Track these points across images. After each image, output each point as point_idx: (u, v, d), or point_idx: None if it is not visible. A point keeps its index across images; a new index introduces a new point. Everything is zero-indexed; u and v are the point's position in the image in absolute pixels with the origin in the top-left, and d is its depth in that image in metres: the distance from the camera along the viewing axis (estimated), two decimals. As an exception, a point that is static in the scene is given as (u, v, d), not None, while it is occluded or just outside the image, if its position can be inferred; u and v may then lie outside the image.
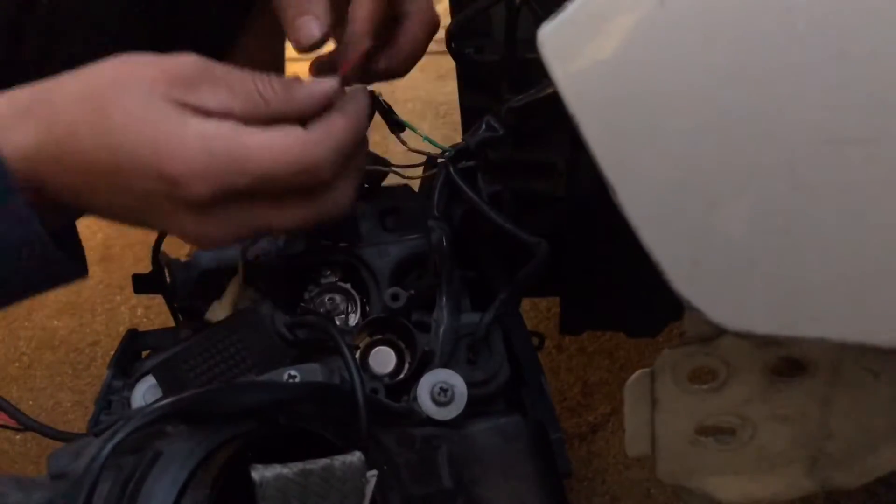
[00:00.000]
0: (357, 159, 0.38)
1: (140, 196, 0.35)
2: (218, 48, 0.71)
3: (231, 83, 0.36)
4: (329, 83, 0.37)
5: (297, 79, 0.38)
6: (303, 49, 0.42)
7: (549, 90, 0.48)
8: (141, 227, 0.38)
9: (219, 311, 0.44)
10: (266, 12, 0.74)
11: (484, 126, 0.49)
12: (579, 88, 0.27)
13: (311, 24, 0.42)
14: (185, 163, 0.33)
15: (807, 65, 0.25)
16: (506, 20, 0.53)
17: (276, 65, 0.83)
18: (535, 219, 0.59)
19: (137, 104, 0.34)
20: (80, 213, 0.39)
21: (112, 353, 0.48)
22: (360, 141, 0.38)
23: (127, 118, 0.34)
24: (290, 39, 0.43)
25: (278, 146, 0.34)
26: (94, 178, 0.35)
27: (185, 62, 0.36)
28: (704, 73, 0.26)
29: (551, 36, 0.28)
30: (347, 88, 0.40)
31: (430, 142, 0.50)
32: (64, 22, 0.59)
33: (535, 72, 0.58)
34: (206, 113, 0.35)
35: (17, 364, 1.08)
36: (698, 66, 0.26)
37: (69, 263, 0.37)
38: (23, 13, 0.57)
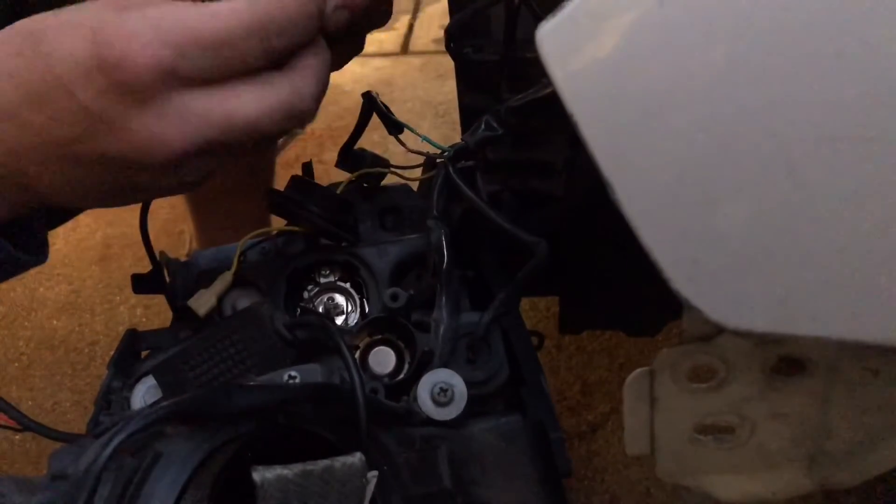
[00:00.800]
0: (315, 56, 0.35)
1: (84, 111, 0.30)
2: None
3: None
4: None
5: None
6: None
7: (549, 89, 0.49)
8: (87, 175, 0.32)
9: (203, 300, 0.44)
10: None
11: (483, 126, 0.49)
12: (578, 87, 0.27)
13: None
14: (127, 39, 0.30)
15: (804, 63, 0.25)
16: (505, 20, 0.53)
17: None
18: (534, 218, 0.59)
19: (73, 14, 0.31)
20: (22, 193, 0.33)
21: (111, 352, 0.48)
22: (313, 24, 0.34)
23: (59, 30, 0.30)
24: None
25: (226, 9, 0.31)
26: (32, 110, 0.31)
27: None
28: (703, 71, 0.26)
29: (550, 35, 0.28)
30: None
31: (429, 142, 0.50)
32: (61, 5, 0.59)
33: (535, 71, 0.58)
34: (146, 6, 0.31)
35: (16, 364, 1.08)
36: (697, 65, 0.26)
37: (12, 251, 0.33)
38: (17, 5, 0.57)
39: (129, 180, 0.33)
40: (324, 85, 0.36)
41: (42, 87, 0.30)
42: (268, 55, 0.33)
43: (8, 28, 0.32)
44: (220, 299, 0.45)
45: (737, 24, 0.26)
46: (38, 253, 0.37)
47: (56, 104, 0.31)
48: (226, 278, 0.45)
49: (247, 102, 0.32)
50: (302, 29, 0.34)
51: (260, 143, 0.35)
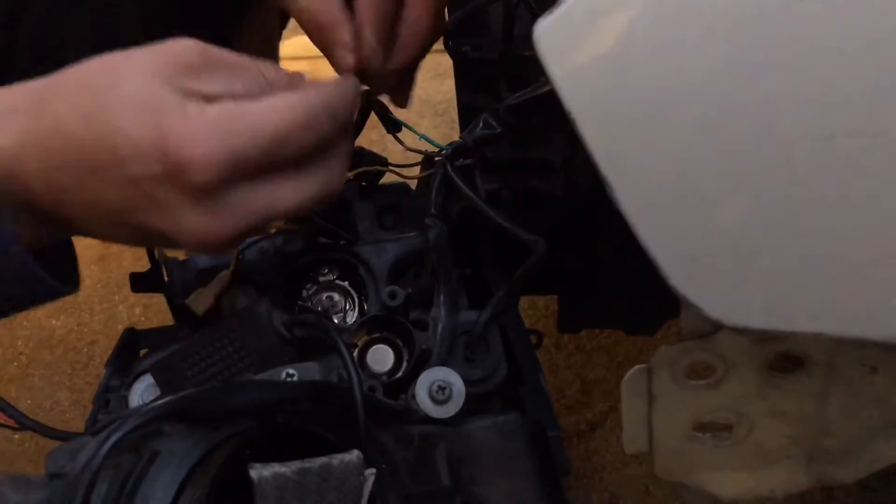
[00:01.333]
0: (345, 138, 0.38)
1: (137, 188, 0.32)
2: (214, 44, 0.71)
3: (231, 65, 0.35)
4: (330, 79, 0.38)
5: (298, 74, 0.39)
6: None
7: (547, 87, 0.48)
8: (129, 234, 0.35)
9: (202, 299, 0.44)
10: (259, 13, 0.74)
11: (481, 124, 0.49)
12: (576, 84, 0.27)
13: (346, 57, 0.44)
14: (197, 144, 0.31)
15: (804, 60, 0.25)
16: (503, 18, 0.53)
17: (271, 60, 0.83)
18: (532, 217, 0.59)
19: (136, 90, 0.32)
20: (64, 228, 0.36)
21: (110, 352, 0.48)
22: (348, 117, 0.38)
23: (125, 104, 0.32)
24: (331, 65, 0.45)
25: (282, 105, 0.33)
26: (84, 172, 0.32)
27: (184, 46, 0.35)
28: (702, 68, 0.26)
29: (547, 32, 0.28)
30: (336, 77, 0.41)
31: (427, 140, 0.50)
32: (59, 19, 0.59)
33: (533, 69, 0.58)
34: (209, 98, 0.33)
35: (15, 363, 1.07)
36: (696, 62, 0.26)
37: (50, 281, 0.35)
38: (18, 6, 0.57)
39: (165, 242, 0.35)
40: (346, 169, 0.39)
41: (99, 157, 0.32)
42: (315, 146, 0.35)
43: (75, 72, 0.34)
44: (219, 298, 0.45)
45: (735, 21, 0.26)
46: (70, 282, 0.38)
47: (109, 174, 0.32)
48: (224, 277, 0.45)
49: (288, 194, 0.35)
50: (345, 117, 0.37)
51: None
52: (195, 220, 0.33)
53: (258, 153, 0.33)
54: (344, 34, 0.44)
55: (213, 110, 0.32)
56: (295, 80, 0.37)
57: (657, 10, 0.26)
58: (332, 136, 0.36)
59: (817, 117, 0.25)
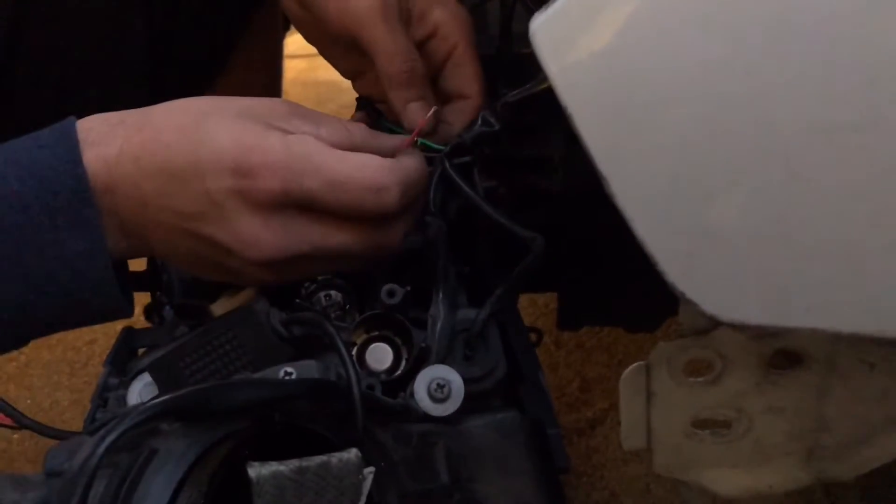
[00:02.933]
0: (415, 205, 0.41)
1: (209, 198, 0.35)
2: (218, 48, 0.71)
3: (319, 118, 0.39)
4: (408, 139, 0.42)
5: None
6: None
7: (545, 84, 0.48)
8: (192, 247, 0.38)
9: (226, 306, 0.44)
10: (264, 13, 0.74)
11: (479, 121, 0.49)
12: (572, 80, 0.27)
13: (422, 112, 0.47)
14: (264, 154, 0.35)
15: (799, 54, 0.25)
16: (501, 15, 0.53)
17: (273, 64, 0.83)
18: (532, 214, 0.59)
19: (229, 117, 0.36)
20: (138, 244, 0.39)
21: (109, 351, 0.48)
22: (420, 191, 0.41)
23: (217, 125, 0.36)
24: (403, 119, 0.48)
25: (354, 161, 0.36)
26: (168, 178, 0.36)
27: (277, 101, 0.39)
28: (698, 63, 0.26)
29: (543, 27, 0.28)
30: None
31: (426, 144, 0.50)
32: (63, 18, 0.59)
33: (531, 66, 0.58)
34: (292, 133, 0.37)
35: (14, 363, 1.08)
36: (692, 57, 0.26)
37: (122, 299, 0.38)
38: (21, 14, 0.57)
39: (223, 261, 0.38)
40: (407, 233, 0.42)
41: (184, 169, 0.36)
42: (379, 209, 0.37)
43: (187, 102, 0.38)
44: None
45: (731, 15, 0.26)
46: (130, 302, 0.41)
47: (188, 182, 0.36)
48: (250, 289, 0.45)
49: (340, 238, 0.38)
50: (415, 194, 0.40)
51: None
52: (248, 230, 0.36)
53: (317, 189, 0.35)
54: (425, 87, 0.47)
55: (293, 138, 0.36)
56: (375, 134, 0.41)
57: (653, 4, 0.26)
58: (400, 208, 0.38)
59: (813, 111, 0.25)
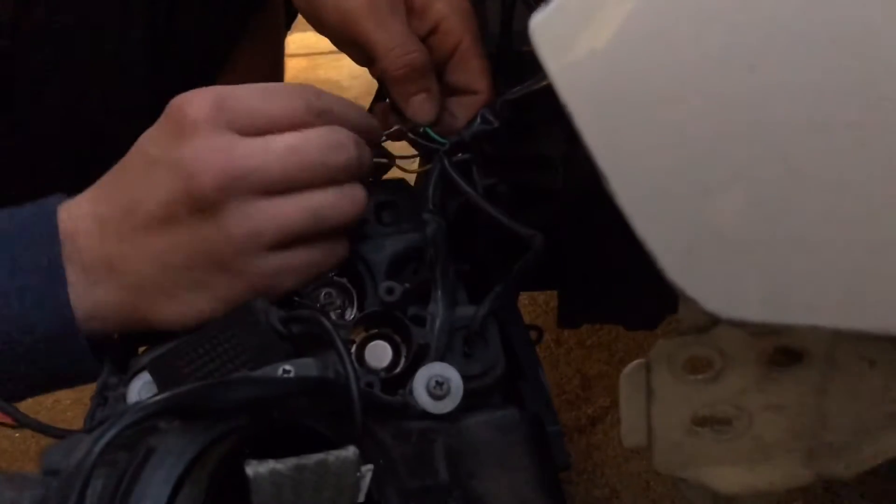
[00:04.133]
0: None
1: (150, 164, 0.35)
2: (220, 48, 0.71)
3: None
4: None
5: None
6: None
7: (545, 82, 0.48)
8: (174, 236, 0.37)
9: None
10: (267, 13, 0.74)
11: (479, 119, 0.49)
12: (572, 77, 0.27)
13: (426, 105, 0.46)
14: (191, 92, 0.35)
15: (799, 50, 0.25)
16: (501, 13, 0.53)
17: (275, 63, 0.83)
18: (532, 212, 0.59)
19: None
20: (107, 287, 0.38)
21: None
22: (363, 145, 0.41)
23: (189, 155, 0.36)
24: (406, 114, 0.47)
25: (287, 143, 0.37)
26: (114, 181, 0.36)
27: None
28: (698, 60, 0.26)
29: (543, 25, 0.28)
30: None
31: (429, 133, 0.50)
32: (62, 21, 0.59)
33: (531, 64, 0.58)
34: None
35: (15, 362, 1.07)
36: (692, 55, 0.26)
37: (96, 366, 0.38)
38: (21, 15, 0.57)
39: (189, 244, 0.37)
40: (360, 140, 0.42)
41: (126, 159, 0.37)
42: (310, 113, 0.38)
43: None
44: None
45: (731, 12, 0.26)
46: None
47: (132, 168, 0.37)
48: None
49: (287, 136, 0.37)
50: (350, 116, 0.40)
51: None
52: (191, 153, 0.35)
53: (249, 103, 0.36)
54: (428, 80, 0.46)
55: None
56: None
57: (652, 2, 0.26)
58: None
59: (814, 108, 0.25)
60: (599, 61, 0.27)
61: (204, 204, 0.35)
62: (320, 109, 0.38)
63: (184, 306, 0.39)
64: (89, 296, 0.37)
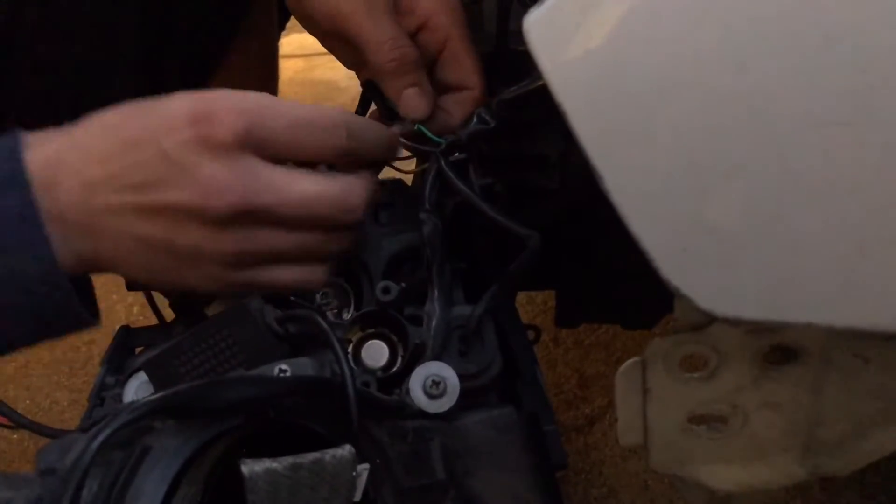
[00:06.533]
0: (375, 171, 0.42)
1: (164, 155, 0.34)
2: (213, 48, 0.71)
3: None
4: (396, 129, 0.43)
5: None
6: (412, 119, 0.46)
7: (541, 82, 0.48)
8: (150, 227, 0.36)
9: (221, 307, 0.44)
10: (260, 13, 0.74)
11: (475, 118, 0.49)
12: (566, 77, 0.27)
13: (418, 99, 0.46)
14: (223, 98, 0.34)
15: (793, 48, 0.25)
16: (497, 12, 0.53)
17: (269, 64, 0.83)
18: (529, 212, 0.59)
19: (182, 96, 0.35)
20: (89, 253, 0.37)
21: (106, 350, 0.48)
22: (383, 152, 0.42)
23: (167, 97, 0.35)
24: (399, 110, 0.47)
25: (312, 108, 0.36)
26: (118, 152, 0.34)
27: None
28: (692, 59, 0.26)
29: (537, 25, 0.28)
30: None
31: (423, 131, 0.50)
32: (56, 21, 0.59)
33: (527, 64, 0.58)
34: None
35: (13, 363, 1.08)
36: (686, 53, 0.26)
37: (82, 310, 0.37)
38: (15, 13, 0.57)
39: (180, 241, 0.36)
40: (372, 199, 0.41)
41: (135, 136, 0.35)
42: (338, 154, 0.38)
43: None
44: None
45: (725, 11, 0.26)
46: (94, 314, 0.40)
47: (142, 151, 0.34)
48: None
49: (307, 183, 0.36)
50: (375, 149, 0.40)
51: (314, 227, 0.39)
52: (212, 177, 0.34)
53: (277, 132, 0.35)
54: (419, 74, 0.45)
55: (251, 95, 0.35)
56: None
57: (646, 2, 0.26)
58: (361, 158, 0.39)
59: (806, 106, 0.25)
60: (593, 60, 0.27)
61: (209, 220, 0.35)
62: (349, 150, 0.38)
63: (152, 277, 0.39)
64: (64, 245, 0.35)
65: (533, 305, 1.03)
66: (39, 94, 0.60)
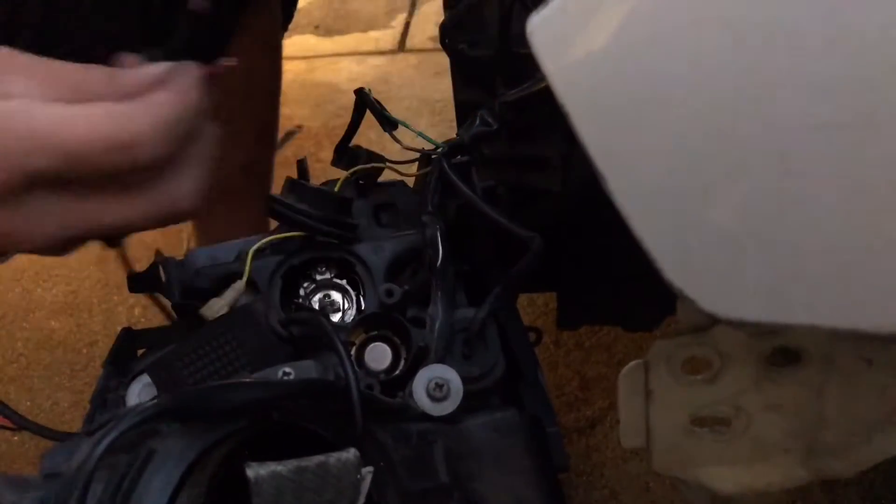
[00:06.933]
0: (197, 145, 0.34)
1: None
2: (214, 48, 0.71)
3: (34, 67, 0.31)
4: (159, 68, 0.33)
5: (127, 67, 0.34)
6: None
7: (543, 84, 0.48)
8: None
9: (215, 309, 0.44)
10: (258, 17, 0.74)
11: (478, 121, 0.49)
12: (570, 79, 0.27)
13: None
14: None
15: (796, 51, 0.25)
16: (499, 15, 0.53)
17: (272, 64, 0.83)
18: (530, 213, 0.59)
19: None
20: None
21: (108, 352, 0.48)
22: (194, 124, 0.33)
23: None
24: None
25: (83, 119, 0.29)
26: None
27: None
28: (696, 61, 0.26)
29: (541, 26, 0.28)
30: (172, 64, 0.34)
31: (425, 137, 0.50)
32: (56, 21, 0.59)
33: (530, 66, 0.58)
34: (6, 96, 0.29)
35: (14, 365, 1.08)
36: (690, 55, 0.26)
37: None
38: (15, 13, 0.57)
39: None
40: (207, 178, 0.34)
41: None
42: (133, 165, 0.31)
43: None
44: (233, 307, 0.45)
45: (728, 13, 0.26)
46: None
47: None
48: (238, 287, 0.45)
49: (116, 211, 0.31)
50: (187, 130, 0.32)
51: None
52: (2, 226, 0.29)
53: (51, 168, 0.29)
54: None
55: (3, 110, 0.29)
56: (122, 83, 0.32)
57: (650, 3, 0.26)
58: (167, 154, 0.32)
59: (809, 107, 0.25)
60: (597, 62, 0.27)
61: None
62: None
63: None
64: None
65: (534, 307, 1.03)
66: None
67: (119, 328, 0.50)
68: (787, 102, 0.25)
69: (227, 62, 0.36)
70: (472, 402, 0.41)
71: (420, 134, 0.48)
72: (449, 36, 0.56)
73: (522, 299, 1.01)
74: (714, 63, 0.26)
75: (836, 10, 0.24)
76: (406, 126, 0.50)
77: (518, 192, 0.58)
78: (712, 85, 0.26)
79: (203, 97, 0.33)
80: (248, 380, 0.36)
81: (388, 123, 0.51)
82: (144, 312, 1.10)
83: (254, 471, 0.29)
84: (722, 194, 0.26)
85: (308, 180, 0.51)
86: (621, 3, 0.27)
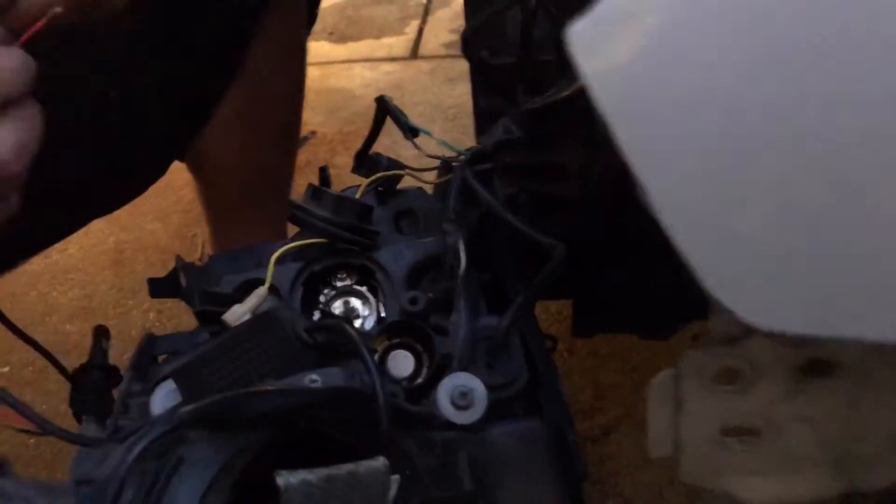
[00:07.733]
0: (22, 109, 0.34)
1: None
2: (232, 49, 0.71)
3: None
4: None
5: None
6: None
7: (567, 92, 0.48)
8: None
9: (237, 315, 0.44)
10: (285, 13, 0.73)
11: (501, 129, 0.49)
12: (610, 88, 0.27)
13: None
14: None
15: (844, 60, 0.24)
16: (521, 23, 0.53)
17: (296, 69, 0.82)
18: (549, 221, 0.59)
19: None
20: None
21: (124, 356, 0.48)
22: (19, 87, 0.34)
23: None
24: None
25: None
26: None
27: None
28: (737, 70, 0.26)
29: (581, 35, 0.27)
30: None
31: (446, 145, 0.50)
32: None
33: (551, 74, 0.58)
34: None
35: (30, 368, 1.08)
36: (731, 64, 0.26)
37: None
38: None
39: None
40: (26, 143, 0.34)
41: None
42: None
43: None
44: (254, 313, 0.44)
45: (771, 19, 0.25)
46: None
47: None
48: (261, 293, 0.45)
49: None
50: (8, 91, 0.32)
51: None
52: None
53: None
54: None
55: None
56: None
57: (691, 11, 0.26)
58: None
59: (861, 117, 0.24)
60: (637, 70, 0.27)
61: None
62: None
63: None
64: None
65: (548, 315, 1.02)
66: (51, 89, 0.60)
67: (134, 333, 0.51)
68: (838, 110, 0.25)
69: (52, 13, 0.35)
70: (496, 411, 0.41)
71: (443, 142, 0.48)
72: (470, 43, 0.56)
73: (536, 306, 1.00)
74: (757, 71, 0.25)
75: (888, 14, 0.24)
76: (428, 134, 0.50)
77: (537, 200, 0.58)
78: (756, 93, 0.26)
79: (23, 64, 0.33)
80: (275, 387, 0.36)
81: (410, 131, 0.51)
82: (159, 317, 1.10)
83: (284, 479, 0.29)
84: (766, 204, 0.26)
85: (329, 187, 0.51)
86: (661, 11, 0.26)
